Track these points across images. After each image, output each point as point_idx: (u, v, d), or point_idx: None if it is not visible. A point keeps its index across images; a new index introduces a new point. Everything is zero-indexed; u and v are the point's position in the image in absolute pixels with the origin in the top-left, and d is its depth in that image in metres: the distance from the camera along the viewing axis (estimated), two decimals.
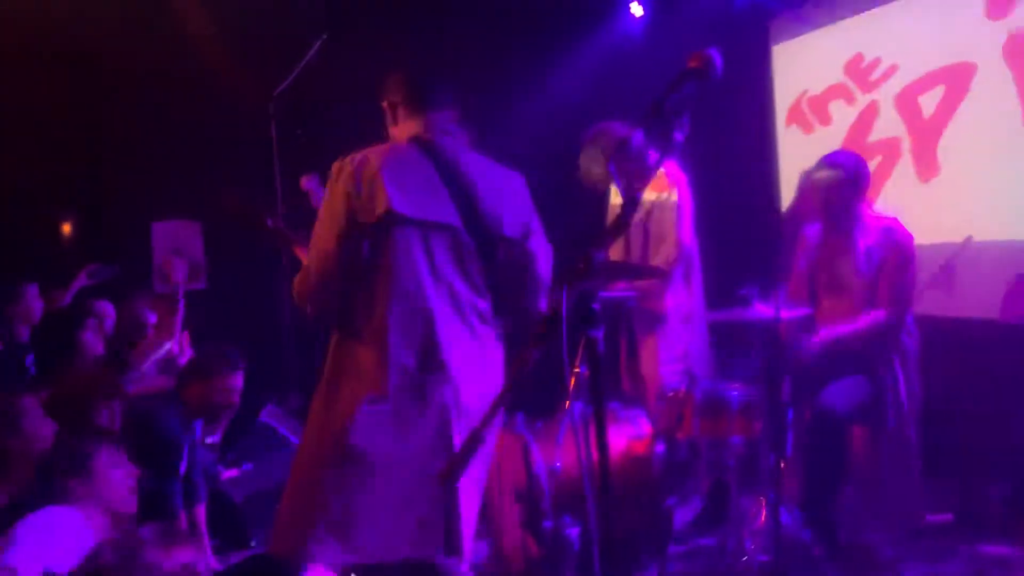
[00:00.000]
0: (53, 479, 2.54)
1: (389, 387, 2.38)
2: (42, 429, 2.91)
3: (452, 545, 2.39)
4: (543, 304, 2.60)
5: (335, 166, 2.47)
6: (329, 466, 2.39)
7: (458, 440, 2.36)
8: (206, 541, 3.63)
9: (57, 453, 2.67)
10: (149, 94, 6.02)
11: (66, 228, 6.67)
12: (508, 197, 2.54)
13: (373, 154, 2.45)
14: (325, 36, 5.37)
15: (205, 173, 5.77)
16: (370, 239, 2.40)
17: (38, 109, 6.04)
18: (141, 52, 5.64)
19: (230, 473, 4.52)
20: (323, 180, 2.62)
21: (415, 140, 2.52)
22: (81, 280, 4.99)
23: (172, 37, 5.60)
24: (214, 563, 3.55)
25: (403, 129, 2.57)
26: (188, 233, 4.89)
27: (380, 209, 2.37)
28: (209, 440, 4.28)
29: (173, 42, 5.63)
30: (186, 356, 4.61)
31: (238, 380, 3.66)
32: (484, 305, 2.52)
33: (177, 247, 4.75)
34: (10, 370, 4.39)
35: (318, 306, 2.49)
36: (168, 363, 4.61)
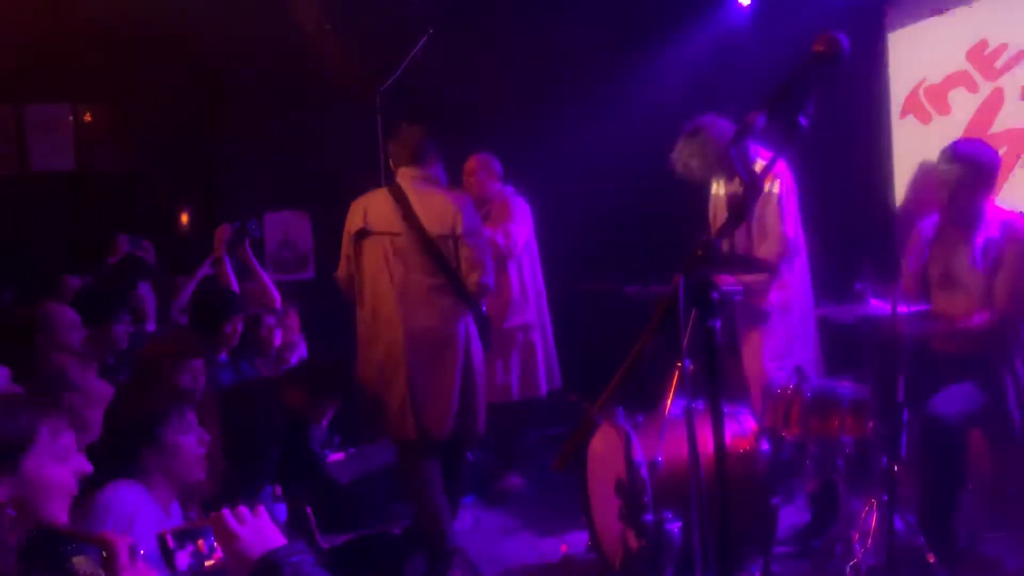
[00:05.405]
0: (124, 443, 2.40)
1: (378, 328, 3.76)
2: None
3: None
4: (489, 279, 3.75)
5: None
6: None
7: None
8: (312, 523, 3.73)
9: (126, 414, 2.50)
10: (261, 89, 6.24)
11: (184, 218, 6.98)
12: (438, 211, 3.72)
13: (361, 198, 3.86)
14: (431, 31, 5.45)
15: (315, 166, 5.95)
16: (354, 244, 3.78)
17: (153, 103, 6.33)
18: (253, 47, 5.82)
19: (335, 456, 4.65)
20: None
21: (387, 186, 3.88)
22: (205, 268, 5.13)
23: (283, 33, 5.78)
24: (323, 544, 3.65)
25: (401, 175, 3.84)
26: (298, 223, 5.03)
27: (357, 225, 3.78)
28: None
29: (284, 38, 5.81)
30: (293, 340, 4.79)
31: (337, 406, 4.02)
32: (433, 280, 3.71)
33: (287, 236, 4.92)
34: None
35: (344, 287, 3.87)
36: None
